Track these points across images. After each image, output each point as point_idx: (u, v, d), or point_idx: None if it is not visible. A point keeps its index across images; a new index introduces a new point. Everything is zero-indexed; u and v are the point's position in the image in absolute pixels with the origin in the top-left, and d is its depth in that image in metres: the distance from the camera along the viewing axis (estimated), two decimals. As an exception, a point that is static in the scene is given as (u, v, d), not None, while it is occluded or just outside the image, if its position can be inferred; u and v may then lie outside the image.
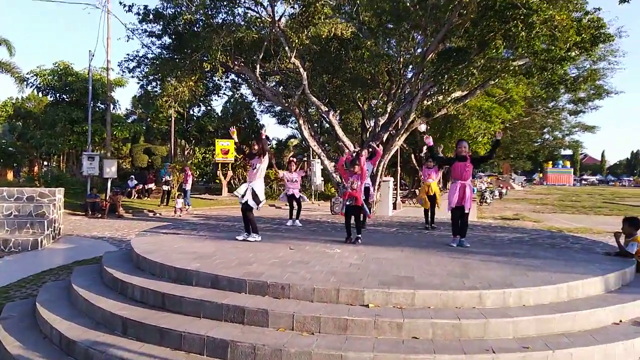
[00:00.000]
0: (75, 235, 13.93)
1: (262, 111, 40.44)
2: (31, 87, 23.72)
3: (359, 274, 5.25)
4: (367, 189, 9.15)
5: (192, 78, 13.25)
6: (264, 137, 7.41)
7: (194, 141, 37.76)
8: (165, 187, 22.02)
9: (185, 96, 13.44)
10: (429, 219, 9.85)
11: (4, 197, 12.29)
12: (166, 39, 14.35)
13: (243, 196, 7.23)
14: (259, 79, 13.23)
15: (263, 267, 5.49)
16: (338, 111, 17.62)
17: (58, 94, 24.13)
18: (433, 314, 4.42)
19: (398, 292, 4.64)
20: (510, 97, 29.67)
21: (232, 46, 12.45)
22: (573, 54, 12.18)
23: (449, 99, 13.95)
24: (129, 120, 36.32)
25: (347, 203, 7.29)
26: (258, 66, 13.09)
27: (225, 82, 17.76)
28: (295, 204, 9.95)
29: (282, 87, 16.62)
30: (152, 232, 8.45)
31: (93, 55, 19.35)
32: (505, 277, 5.29)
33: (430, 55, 12.99)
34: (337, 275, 5.19)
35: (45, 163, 36.92)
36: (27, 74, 23.82)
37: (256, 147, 7.28)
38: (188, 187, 20.46)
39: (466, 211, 7.14)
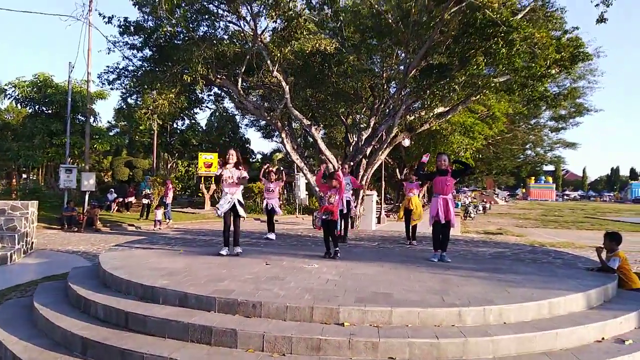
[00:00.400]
0: (48, 249, 13.46)
1: (246, 125, 40.35)
2: (9, 98, 23.19)
3: (336, 291, 5.05)
4: (347, 202, 9.01)
5: (173, 90, 13.04)
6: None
7: (177, 154, 37.35)
8: (145, 201, 21.57)
9: (165, 109, 13.19)
10: (410, 233, 9.71)
11: (-26, 210, 11.81)
12: (147, 52, 14.15)
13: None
14: (241, 92, 13.08)
15: (235, 283, 5.26)
16: (321, 125, 17.53)
17: (37, 106, 23.60)
18: (411, 332, 4.23)
19: (375, 310, 4.45)
20: (492, 114, 30.09)
21: (213, 59, 12.31)
22: (553, 71, 12.34)
23: (432, 114, 13.97)
24: (111, 133, 35.84)
25: (323, 217, 7.11)
26: (240, 80, 12.96)
27: (209, 95, 17.57)
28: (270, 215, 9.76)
29: (265, 101, 16.50)
30: (124, 247, 8.14)
31: (73, 67, 19.04)
32: (485, 293, 5.14)
33: (412, 71, 13.02)
34: (312, 292, 4.98)
35: (24, 176, 36.10)
36: (5, 85, 23.33)
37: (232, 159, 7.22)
38: (169, 200, 20.08)
39: (452, 226, 7.01)
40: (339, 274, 5.99)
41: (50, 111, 23.81)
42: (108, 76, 15.47)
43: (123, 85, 15.32)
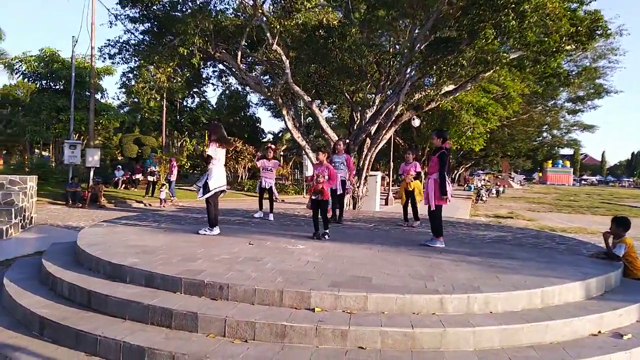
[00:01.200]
0: (48, 224, 13.43)
1: (256, 104, 39.94)
2: (16, 73, 23.11)
3: (312, 274, 4.74)
4: (342, 182, 8.65)
5: (171, 64, 12.67)
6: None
7: (187, 132, 37.22)
8: (150, 178, 21.49)
9: (163, 83, 12.86)
10: (408, 215, 9.32)
11: (-29, 184, 11.76)
12: (147, 25, 13.75)
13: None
14: (241, 66, 12.66)
15: (208, 263, 4.98)
16: (326, 103, 17.05)
17: (45, 81, 23.52)
18: (385, 320, 3.90)
19: (349, 295, 4.13)
20: (507, 94, 29.15)
21: (211, 32, 11.89)
22: (568, 47, 11.66)
23: (439, 92, 13.39)
24: (123, 111, 35.76)
25: (313, 197, 6.77)
26: (240, 53, 12.53)
27: (214, 71, 17.19)
28: (266, 195, 9.44)
29: (268, 76, 16.06)
30: (110, 223, 7.93)
31: (76, 41, 18.79)
32: (474, 279, 4.77)
33: (419, 46, 12.44)
34: (287, 274, 4.68)
35: (36, 152, 36.40)
36: (12, 59, 23.22)
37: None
38: (173, 178, 19.96)
39: (432, 209, 6.48)
40: (322, 256, 5.68)
41: (57, 87, 23.73)
42: (109, 50, 15.19)
43: (124, 59, 15.02)
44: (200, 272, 4.58)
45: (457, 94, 14.08)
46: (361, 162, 14.24)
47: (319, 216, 6.95)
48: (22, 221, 12.18)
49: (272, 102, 33.61)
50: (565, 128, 38.45)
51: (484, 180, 58.63)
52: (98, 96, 25.08)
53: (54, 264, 5.37)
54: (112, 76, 25.54)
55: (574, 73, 12.23)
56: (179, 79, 14.57)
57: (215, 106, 41.33)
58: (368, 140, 14.00)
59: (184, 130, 35.54)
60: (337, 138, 13.48)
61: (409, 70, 12.66)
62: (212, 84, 16.23)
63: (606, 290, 5.21)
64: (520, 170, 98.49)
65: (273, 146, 10.35)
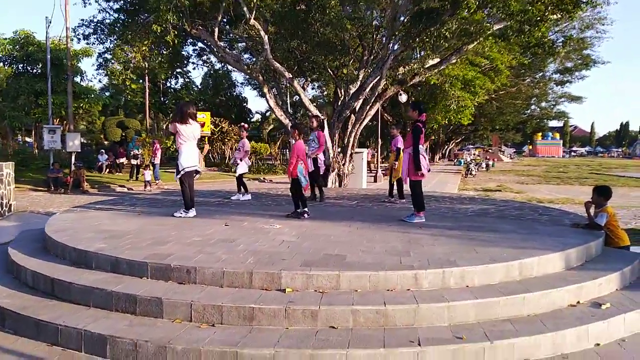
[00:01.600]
0: (28, 212, 13.16)
1: (242, 83, 39.30)
2: (-10, 57, 22.39)
3: (285, 254, 4.60)
4: (315, 160, 8.45)
5: (145, 43, 12.25)
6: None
7: (171, 114, 36.59)
8: (134, 161, 21.14)
9: (138, 63, 12.44)
10: (393, 191, 9.19)
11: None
12: (120, 2, 13.25)
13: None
14: (219, 43, 12.29)
15: (177, 247, 4.81)
16: (309, 80, 16.71)
17: (21, 65, 22.83)
18: (358, 298, 3.79)
19: (321, 275, 3.99)
20: (495, 67, 28.85)
21: (186, 7, 11.47)
22: (552, 15, 11.41)
23: (423, 65, 13.12)
24: (107, 94, 34.99)
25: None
26: (217, 30, 12.13)
27: (194, 50, 16.71)
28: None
29: (250, 54, 15.67)
30: (83, 209, 7.72)
31: (50, 22, 18.12)
32: (451, 253, 4.66)
33: (402, 18, 12.12)
34: (259, 255, 4.53)
35: (20, 138, 35.67)
36: (-16, 43, 22.45)
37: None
38: (157, 160, 19.64)
39: (405, 184, 6.29)
40: (298, 235, 5.53)
41: (35, 70, 23.06)
42: (83, 30, 14.66)
43: (99, 39, 14.51)
44: (169, 256, 4.41)
45: (443, 67, 13.81)
46: (346, 139, 14.05)
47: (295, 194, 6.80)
48: (1, 209, 11.90)
49: (282, 86, 33.24)
50: (553, 100, 38.31)
51: (474, 154, 58.80)
52: (78, 79, 24.47)
53: (20, 252, 5.17)
54: (90, 58, 24.71)
55: (559, 42, 11.94)
56: (159, 58, 14.10)
57: (200, 87, 40.66)
58: (352, 117, 13.77)
59: (168, 112, 34.92)
60: (318, 113, 13.26)
61: (391, 44, 12.36)
62: (192, 62, 15.81)
63: (586, 260, 5.13)
64: (511, 144, 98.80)
65: (245, 125, 10.13)
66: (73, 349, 3.55)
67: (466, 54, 14.53)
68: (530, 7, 10.63)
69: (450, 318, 3.70)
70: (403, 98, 26.27)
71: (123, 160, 24.38)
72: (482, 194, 19.84)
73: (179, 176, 6.66)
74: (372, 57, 14.21)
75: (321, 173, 8.76)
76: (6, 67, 24.85)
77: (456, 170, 39.19)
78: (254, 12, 11.40)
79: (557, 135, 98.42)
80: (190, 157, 6.69)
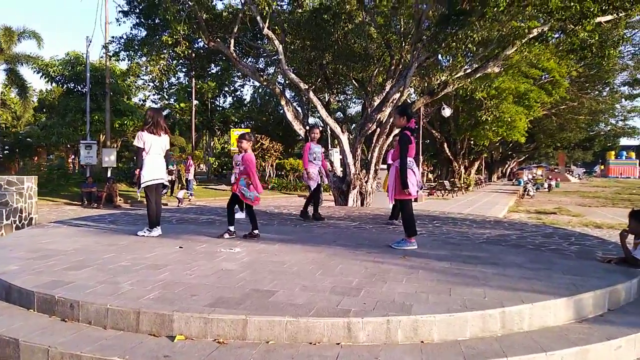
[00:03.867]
0: (44, 225, 13.22)
1: (287, 101, 39.29)
2: (44, 78, 23.65)
3: (204, 287, 3.75)
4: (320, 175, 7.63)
5: (163, 57, 12.08)
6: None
7: (219, 132, 37.19)
8: (169, 177, 21.26)
9: (157, 77, 12.30)
10: (397, 211, 8.08)
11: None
12: (134, 16, 13.23)
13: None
14: (234, 55, 11.84)
15: (89, 273, 4.11)
16: (334, 92, 15.92)
17: (72, 84, 23.94)
18: (262, 355, 2.86)
19: (223, 319, 3.11)
20: (552, 79, 26.68)
21: (201, 18, 11.15)
22: (603, 17, 9.95)
23: (454, 74, 11.94)
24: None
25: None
26: (232, 41, 11.71)
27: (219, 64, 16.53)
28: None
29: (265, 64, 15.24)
30: (58, 223, 7.34)
31: (90, 41, 18.78)
32: (413, 294, 3.61)
33: (426, 23, 11.10)
34: (171, 287, 3.72)
35: (63, 154, 37.48)
36: (41, 65, 23.77)
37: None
38: (190, 176, 19.64)
39: (390, 202, 5.28)
40: (247, 262, 4.67)
41: (83, 89, 24.07)
42: (115, 47, 14.86)
43: (129, 56, 14.62)
44: (69, 284, 3.72)
45: (478, 75, 12.51)
46: (369, 154, 13.05)
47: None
48: (19, 222, 12.01)
49: (304, 98, 32.96)
50: (622, 115, 34.90)
51: (535, 174, 54.99)
52: (125, 97, 25.29)
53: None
54: (138, 77, 25.49)
55: (608, 44, 10.34)
56: (172, 72, 13.94)
57: (248, 105, 41.12)
58: (378, 130, 12.77)
59: (215, 130, 35.49)
60: (339, 128, 12.41)
61: (416, 52, 11.33)
62: (217, 75, 15.55)
63: (609, 309, 3.87)
64: (580, 164, 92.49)
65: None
66: None
67: (504, 60, 13.14)
68: (572, 4, 9.26)
69: (379, 391, 2.69)
70: (447, 112, 24.87)
71: (163, 176, 24.70)
72: (534, 217, 17.98)
73: (139, 190, 6.07)
74: (400, 67, 13.21)
75: (321, 183, 7.96)
76: (58, 87, 26.24)
77: (513, 191, 36.62)
78: (267, 21, 10.86)
79: (633, 155, 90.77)
80: (154, 170, 6.09)
